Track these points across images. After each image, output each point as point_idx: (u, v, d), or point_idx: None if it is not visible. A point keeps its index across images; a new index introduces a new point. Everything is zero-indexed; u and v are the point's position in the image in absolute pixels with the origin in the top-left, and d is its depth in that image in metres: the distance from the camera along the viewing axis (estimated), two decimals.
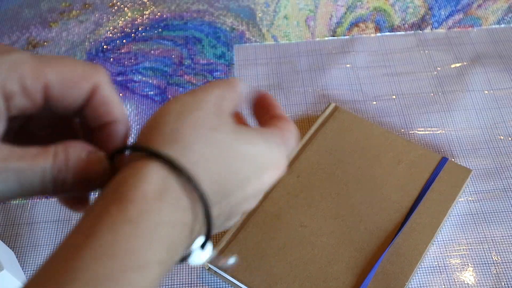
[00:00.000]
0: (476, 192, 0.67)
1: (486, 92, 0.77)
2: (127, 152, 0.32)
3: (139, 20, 0.90)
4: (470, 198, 0.66)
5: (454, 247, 0.63)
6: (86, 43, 0.87)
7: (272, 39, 0.86)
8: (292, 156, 0.68)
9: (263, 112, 0.38)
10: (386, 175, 0.65)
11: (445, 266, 0.61)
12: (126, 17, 0.90)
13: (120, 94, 0.79)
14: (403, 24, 0.87)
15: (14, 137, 0.34)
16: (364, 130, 0.70)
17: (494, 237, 0.63)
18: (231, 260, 0.38)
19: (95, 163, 0.32)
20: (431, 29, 0.86)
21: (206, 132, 0.31)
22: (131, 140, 0.35)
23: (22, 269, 0.63)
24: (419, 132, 0.73)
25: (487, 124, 0.74)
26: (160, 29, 0.88)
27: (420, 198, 0.63)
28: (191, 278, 0.62)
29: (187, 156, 0.30)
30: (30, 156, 0.30)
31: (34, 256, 0.64)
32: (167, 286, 0.61)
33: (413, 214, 0.62)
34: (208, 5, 0.91)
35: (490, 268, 0.61)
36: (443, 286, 0.60)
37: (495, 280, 0.60)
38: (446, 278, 0.60)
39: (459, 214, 0.65)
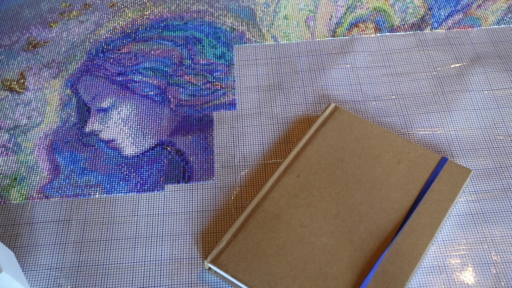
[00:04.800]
0: (476, 192, 0.67)
1: (486, 92, 0.77)
2: None
3: (139, 20, 0.90)
4: (470, 198, 0.67)
5: (454, 247, 0.63)
6: (86, 43, 0.87)
7: (272, 39, 0.86)
8: (292, 156, 0.68)
9: None
10: (386, 175, 0.66)
11: (445, 266, 0.61)
12: (126, 17, 0.90)
13: (120, 94, 0.80)
14: (403, 24, 0.87)
15: None
16: (364, 130, 0.70)
17: (493, 237, 0.63)
18: None
19: None
20: (430, 29, 0.86)
21: None
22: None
23: (22, 269, 0.63)
24: (419, 132, 0.73)
25: (486, 124, 0.74)
26: (160, 29, 0.88)
27: (420, 198, 0.63)
28: (191, 278, 0.62)
29: None
30: None
31: (34, 256, 0.64)
32: (167, 286, 0.61)
33: (413, 214, 0.62)
34: (208, 5, 0.91)
35: (489, 268, 0.61)
36: (443, 286, 0.60)
37: (495, 280, 0.60)
38: (446, 278, 0.61)
39: (459, 214, 0.65)
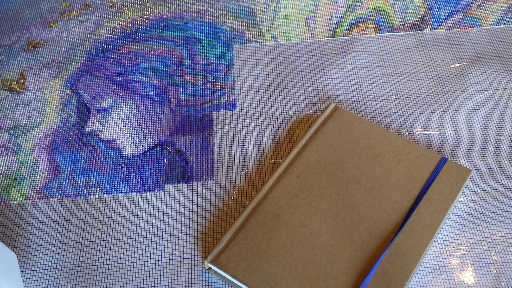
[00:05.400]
0: (476, 192, 0.67)
1: (486, 92, 0.77)
2: None
3: (139, 20, 0.90)
4: (470, 198, 0.67)
5: (454, 247, 0.63)
6: (86, 43, 0.87)
7: (272, 39, 0.86)
8: (292, 156, 0.68)
9: None
10: (386, 175, 0.66)
11: (445, 266, 0.61)
12: (126, 17, 0.90)
13: (120, 94, 0.80)
14: (403, 24, 0.87)
15: None
16: (364, 130, 0.70)
17: (493, 237, 0.63)
18: None
19: None
20: (430, 29, 0.86)
21: None
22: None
23: (22, 269, 0.63)
24: (419, 132, 0.73)
25: (486, 124, 0.74)
26: (160, 29, 0.88)
27: (420, 198, 0.63)
28: (191, 278, 0.62)
29: None
30: None
31: (34, 256, 0.64)
32: (167, 286, 0.61)
33: (413, 214, 0.62)
34: (208, 5, 0.91)
35: (489, 268, 0.61)
36: (443, 286, 0.60)
37: (495, 280, 0.60)
38: (446, 278, 0.61)
39: (459, 214, 0.65)
